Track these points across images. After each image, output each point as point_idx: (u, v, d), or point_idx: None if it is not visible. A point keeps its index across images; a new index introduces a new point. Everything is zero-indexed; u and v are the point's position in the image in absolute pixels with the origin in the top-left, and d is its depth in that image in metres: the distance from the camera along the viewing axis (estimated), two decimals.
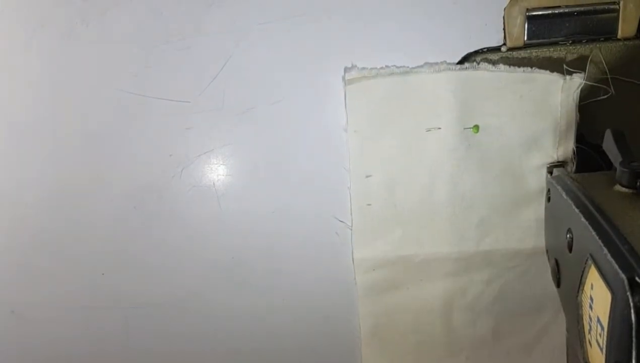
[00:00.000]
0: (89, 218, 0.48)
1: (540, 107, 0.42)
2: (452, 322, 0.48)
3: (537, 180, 0.43)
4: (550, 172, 0.42)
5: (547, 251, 0.44)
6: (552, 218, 0.41)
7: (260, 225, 0.47)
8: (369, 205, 0.45)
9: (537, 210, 0.44)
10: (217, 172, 0.46)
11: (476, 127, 0.43)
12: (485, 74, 0.42)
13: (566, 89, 0.41)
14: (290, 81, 0.44)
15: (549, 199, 0.41)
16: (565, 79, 0.41)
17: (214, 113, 0.45)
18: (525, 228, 0.45)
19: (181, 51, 0.44)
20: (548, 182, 0.42)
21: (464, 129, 0.43)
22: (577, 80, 0.41)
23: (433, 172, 0.44)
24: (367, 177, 0.45)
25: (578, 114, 0.42)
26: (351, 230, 0.46)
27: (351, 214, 0.46)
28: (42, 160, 0.47)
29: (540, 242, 0.44)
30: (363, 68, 0.43)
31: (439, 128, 0.43)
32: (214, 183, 0.47)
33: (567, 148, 0.42)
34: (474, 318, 0.48)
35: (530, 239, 0.45)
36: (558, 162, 0.43)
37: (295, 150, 0.46)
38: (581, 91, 0.42)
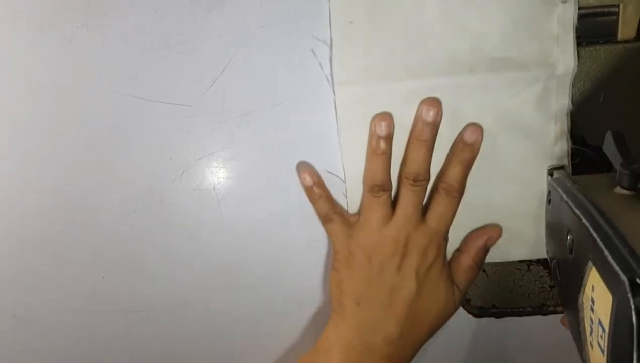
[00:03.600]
0: (89, 222, 0.48)
1: None
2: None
3: None
4: (550, 175, 0.42)
5: (547, 253, 0.44)
6: (552, 221, 0.41)
7: (260, 229, 0.47)
8: (351, 22, 0.41)
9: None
10: (217, 175, 0.46)
11: None
12: None
13: None
14: (290, 85, 0.44)
15: (549, 201, 0.41)
16: None
17: (215, 116, 0.45)
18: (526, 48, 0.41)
19: (182, 55, 0.44)
20: (548, 184, 0.42)
21: None
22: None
23: None
24: None
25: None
26: (330, 52, 0.42)
27: (330, 34, 0.41)
28: (42, 163, 0.47)
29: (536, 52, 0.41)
30: None
31: None
32: (214, 187, 0.47)
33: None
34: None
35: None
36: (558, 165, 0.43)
37: (295, 154, 0.46)
38: (580, 93, 0.42)
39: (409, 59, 0.41)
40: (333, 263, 0.44)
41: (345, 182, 0.45)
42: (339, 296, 0.44)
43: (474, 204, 0.44)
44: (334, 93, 0.43)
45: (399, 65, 0.42)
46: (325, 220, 0.44)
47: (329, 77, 0.43)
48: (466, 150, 0.42)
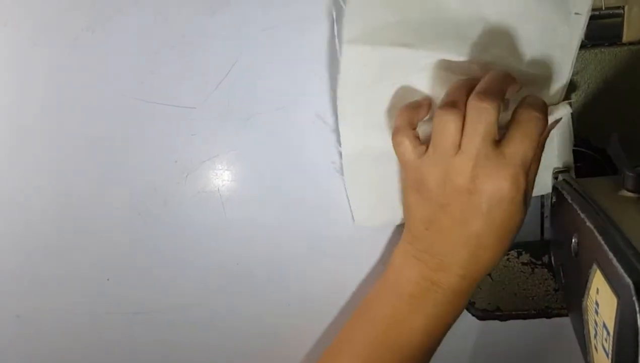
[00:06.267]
0: (93, 224, 0.48)
1: None
2: None
3: None
4: (555, 177, 0.42)
5: (552, 256, 0.44)
6: (557, 223, 0.41)
7: (264, 231, 0.47)
8: None
9: None
10: (221, 177, 0.47)
11: None
12: None
13: None
14: (295, 87, 0.44)
15: (553, 204, 0.41)
16: None
17: (219, 119, 0.45)
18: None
19: (186, 57, 0.44)
20: (553, 187, 0.42)
21: None
22: None
23: None
24: None
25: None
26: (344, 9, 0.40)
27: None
28: (46, 166, 0.47)
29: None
30: None
31: None
32: (218, 189, 0.47)
33: None
34: None
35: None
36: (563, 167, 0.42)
37: (299, 156, 0.46)
38: (585, 95, 0.41)
39: (423, 28, 0.40)
40: (405, 187, 0.42)
41: (342, 159, 0.44)
42: (407, 219, 0.42)
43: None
44: (340, 53, 0.41)
45: (412, 32, 0.40)
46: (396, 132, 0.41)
47: (338, 39, 0.41)
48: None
